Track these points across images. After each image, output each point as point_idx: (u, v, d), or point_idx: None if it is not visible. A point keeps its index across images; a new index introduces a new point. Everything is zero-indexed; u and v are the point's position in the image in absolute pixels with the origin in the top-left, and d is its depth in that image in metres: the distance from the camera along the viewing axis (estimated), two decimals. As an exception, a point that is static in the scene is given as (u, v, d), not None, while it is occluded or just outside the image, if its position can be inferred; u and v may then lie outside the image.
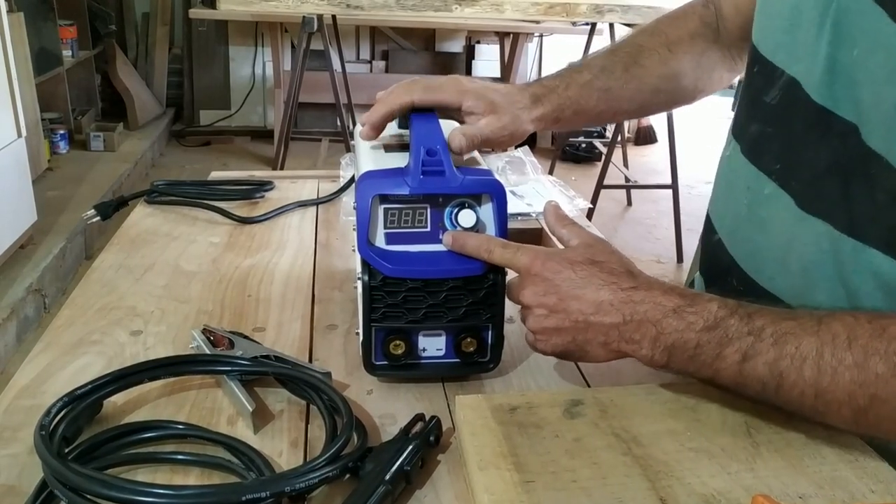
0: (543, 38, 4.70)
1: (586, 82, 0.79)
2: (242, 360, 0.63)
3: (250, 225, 1.00)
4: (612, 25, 3.26)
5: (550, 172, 3.68)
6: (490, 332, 0.64)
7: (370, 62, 4.71)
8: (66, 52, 3.79)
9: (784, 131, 0.63)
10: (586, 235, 0.62)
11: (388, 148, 0.70)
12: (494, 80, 4.15)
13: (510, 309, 0.64)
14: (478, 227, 0.62)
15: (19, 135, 2.65)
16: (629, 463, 0.52)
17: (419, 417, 0.58)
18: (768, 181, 0.64)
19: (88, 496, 0.47)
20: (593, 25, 3.41)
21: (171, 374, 0.63)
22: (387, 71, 4.63)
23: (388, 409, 0.63)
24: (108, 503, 0.46)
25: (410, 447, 0.53)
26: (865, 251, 0.56)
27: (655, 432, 0.55)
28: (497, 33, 4.54)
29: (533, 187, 1.14)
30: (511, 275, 0.62)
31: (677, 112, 3.28)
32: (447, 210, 0.62)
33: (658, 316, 0.55)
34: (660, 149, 4.70)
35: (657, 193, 3.65)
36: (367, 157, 0.68)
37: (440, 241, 0.62)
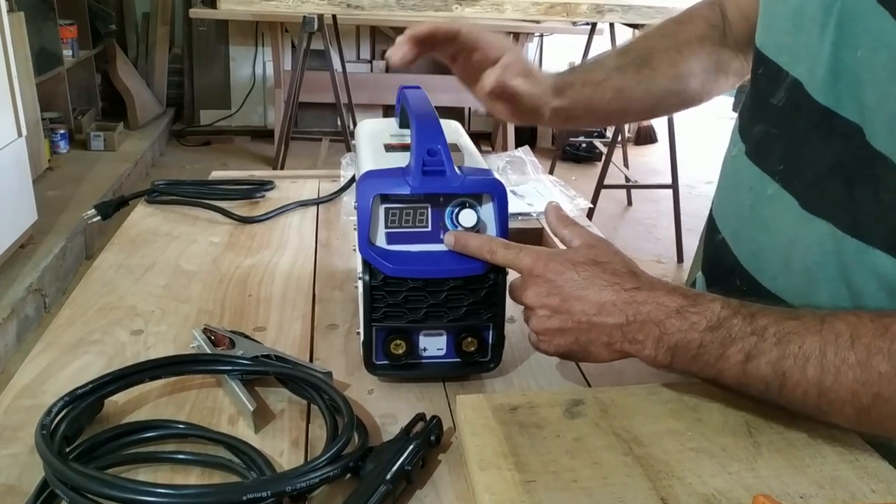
0: (544, 37, 4.70)
1: (600, 81, 0.79)
2: (243, 360, 0.63)
3: (251, 224, 1.00)
4: (612, 25, 3.26)
5: (551, 172, 3.68)
6: (491, 332, 0.64)
7: (370, 62, 4.71)
8: (67, 52, 3.79)
9: (788, 132, 0.63)
10: (588, 236, 0.62)
11: (389, 147, 0.70)
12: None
13: (511, 308, 0.64)
14: (478, 227, 0.62)
15: (19, 134, 2.65)
16: (630, 463, 0.52)
17: (420, 417, 0.58)
18: (771, 182, 0.64)
19: (89, 496, 0.47)
20: (594, 25, 3.41)
21: (172, 374, 0.63)
22: (387, 71, 4.63)
23: (389, 408, 0.63)
24: (110, 503, 0.46)
25: (411, 447, 0.53)
26: (869, 252, 0.56)
27: (656, 432, 0.55)
28: (497, 33, 4.54)
29: (533, 187, 1.14)
30: (512, 275, 0.62)
31: (677, 112, 3.29)
32: (448, 210, 0.62)
33: (661, 316, 0.55)
34: (660, 149, 4.70)
35: (657, 193, 3.65)
36: (368, 156, 0.68)
37: (441, 241, 0.62)
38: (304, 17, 2.99)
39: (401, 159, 0.64)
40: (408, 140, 0.65)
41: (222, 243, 0.94)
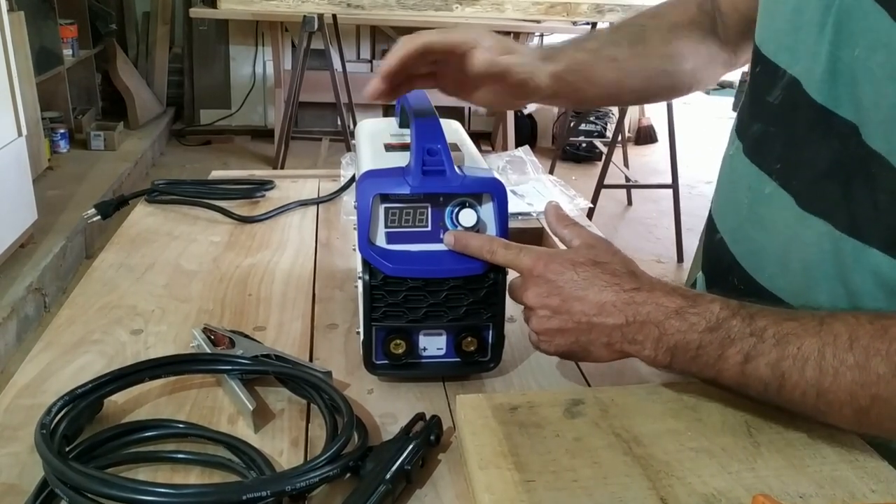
0: (544, 37, 4.70)
1: (595, 49, 0.78)
2: (243, 360, 0.63)
3: (251, 224, 1.00)
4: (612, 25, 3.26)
5: (551, 172, 3.68)
6: (491, 332, 0.64)
7: (371, 61, 4.71)
8: (67, 52, 3.79)
9: (785, 131, 0.63)
10: (588, 235, 0.62)
11: (389, 147, 0.70)
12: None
13: (511, 308, 0.64)
14: (478, 227, 0.62)
15: (20, 134, 2.65)
16: (630, 462, 0.52)
17: (420, 417, 0.58)
18: (769, 180, 0.64)
19: (89, 495, 0.47)
20: (594, 25, 3.41)
21: (172, 373, 0.63)
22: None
23: (389, 408, 0.63)
24: (109, 502, 0.46)
25: (411, 446, 0.53)
26: (866, 251, 0.56)
27: (656, 432, 0.55)
28: (497, 33, 4.54)
29: (533, 187, 1.14)
30: (512, 274, 0.62)
31: (677, 112, 3.29)
32: (448, 209, 0.62)
33: (660, 317, 0.55)
34: (660, 148, 4.70)
35: (657, 193, 3.65)
36: (368, 156, 0.68)
37: (441, 241, 0.62)
38: (305, 16, 2.99)
39: (401, 159, 0.64)
40: (408, 140, 0.65)
41: (222, 243, 0.94)
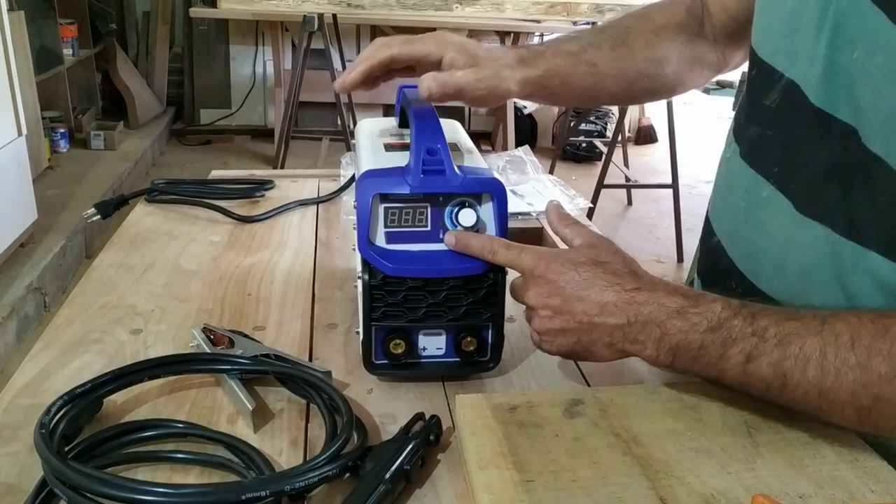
0: (544, 37, 4.70)
1: (574, 53, 0.78)
2: (242, 359, 0.63)
3: (251, 224, 1.00)
4: (612, 25, 3.26)
5: (551, 172, 3.68)
6: (490, 332, 0.64)
7: (370, 61, 4.70)
8: (67, 51, 3.79)
9: (783, 134, 0.63)
10: (589, 235, 0.62)
11: (389, 147, 0.70)
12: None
13: (510, 308, 0.64)
14: (478, 227, 0.62)
15: (20, 133, 2.65)
16: (629, 462, 0.52)
17: (419, 416, 0.58)
18: (766, 184, 0.63)
19: (88, 495, 0.47)
20: (594, 25, 3.41)
21: (172, 373, 0.63)
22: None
23: (388, 408, 0.63)
24: (108, 502, 0.46)
25: (410, 446, 0.53)
26: (865, 254, 0.56)
27: (655, 432, 0.55)
28: (498, 32, 4.53)
29: (533, 186, 1.14)
30: (512, 274, 0.62)
31: (678, 111, 3.29)
32: (448, 209, 0.62)
33: (662, 317, 0.55)
34: (660, 148, 4.70)
35: (658, 193, 3.65)
36: (368, 155, 0.68)
37: (441, 241, 0.62)
38: (305, 16, 2.99)
39: (400, 159, 0.64)
40: (407, 139, 0.65)
41: (222, 242, 0.94)
